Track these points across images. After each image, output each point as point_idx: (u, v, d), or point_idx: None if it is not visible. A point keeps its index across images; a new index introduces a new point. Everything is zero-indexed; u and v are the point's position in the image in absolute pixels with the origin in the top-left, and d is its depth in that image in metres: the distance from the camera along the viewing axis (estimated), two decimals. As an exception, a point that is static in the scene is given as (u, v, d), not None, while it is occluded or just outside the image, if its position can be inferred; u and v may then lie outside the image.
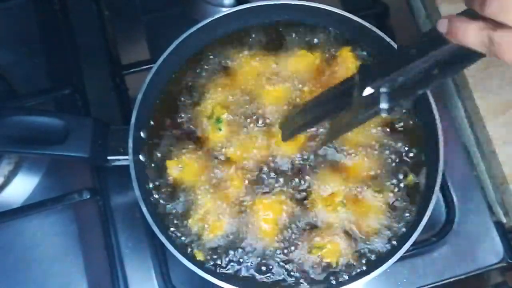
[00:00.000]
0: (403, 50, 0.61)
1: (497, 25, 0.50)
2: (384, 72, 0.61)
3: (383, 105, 0.61)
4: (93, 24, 0.95)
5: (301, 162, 0.79)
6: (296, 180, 0.78)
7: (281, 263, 0.76)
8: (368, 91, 0.61)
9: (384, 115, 0.61)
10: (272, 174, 0.78)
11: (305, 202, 0.77)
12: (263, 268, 0.75)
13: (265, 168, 0.78)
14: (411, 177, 0.79)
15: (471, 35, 0.52)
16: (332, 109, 0.69)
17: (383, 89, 0.61)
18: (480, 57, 0.55)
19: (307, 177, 0.78)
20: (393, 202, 0.78)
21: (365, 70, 0.64)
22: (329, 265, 0.75)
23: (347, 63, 0.82)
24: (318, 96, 0.74)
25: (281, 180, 0.78)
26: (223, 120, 0.79)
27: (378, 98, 0.61)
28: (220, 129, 0.79)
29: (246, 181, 0.78)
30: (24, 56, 0.95)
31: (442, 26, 0.55)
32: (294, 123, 0.76)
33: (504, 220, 0.87)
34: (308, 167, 0.79)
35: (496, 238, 0.85)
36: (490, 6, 0.49)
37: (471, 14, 0.53)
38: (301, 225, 0.76)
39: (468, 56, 0.56)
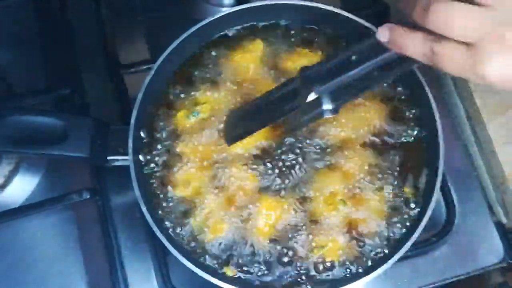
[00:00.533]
0: (344, 55, 0.62)
1: (439, 36, 0.50)
2: (326, 76, 0.62)
3: (327, 106, 0.63)
4: (92, 24, 0.95)
5: (298, 161, 0.79)
6: (294, 179, 0.78)
7: (281, 263, 0.75)
8: (312, 96, 0.63)
9: (328, 116, 0.63)
10: (270, 171, 0.78)
11: (305, 201, 0.77)
12: (263, 268, 0.75)
13: (261, 167, 0.78)
14: (411, 177, 0.79)
15: (413, 45, 0.52)
16: (276, 112, 0.69)
17: (325, 93, 0.62)
18: (419, 63, 0.55)
19: (305, 177, 0.78)
20: (393, 202, 0.78)
21: (306, 74, 0.65)
22: (330, 264, 0.75)
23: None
24: (261, 97, 0.74)
25: (279, 180, 0.78)
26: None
27: (321, 101, 0.62)
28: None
29: (247, 182, 0.78)
30: (23, 56, 0.95)
31: (383, 35, 0.55)
32: (238, 127, 0.76)
33: (504, 220, 0.87)
34: (306, 166, 0.78)
35: (497, 238, 0.86)
36: (432, 19, 0.49)
37: (410, 23, 0.53)
38: (301, 225, 0.76)
39: (407, 62, 0.56)
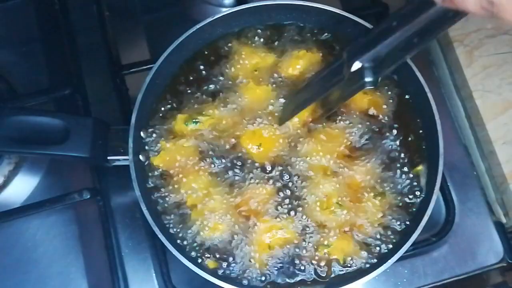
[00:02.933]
0: (384, 24, 0.66)
1: None
2: (368, 46, 0.66)
3: (368, 78, 0.66)
4: (93, 24, 0.95)
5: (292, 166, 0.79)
6: (287, 180, 0.78)
7: (282, 264, 0.76)
8: (356, 65, 0.67)
9: (369, 87, 0.67)
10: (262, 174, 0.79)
11: (301, 204, 0.77)
12: (263, 270, 0.76)
13: (256, 171, 0.79)
14: (411, 177, 0.79)
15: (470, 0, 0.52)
16: (323, 87, 0.74)
17: (367, 64, 0.66)
18: (460, 18, 0.58)
19: (300, 180, 0.78)
20: (392, 202, 0.78)
21: (350, 48, 0.69)
22: (330, 264, 0.75)
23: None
24: (310, 78, 0.79)
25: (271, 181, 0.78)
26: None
27: (363, 72, 0.66)
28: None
29: (247, 183, 0.78)
30: (24, 56, 0.95)
31: None
32: (289, 105, 0.79)
33: (504, 220, 0.87)
34: (301, 171, 0.79)
35: (496, 238, 0.86)
36: None
37: None
38: (300, 227, 0.77)
39: (448, 19, 0.59)
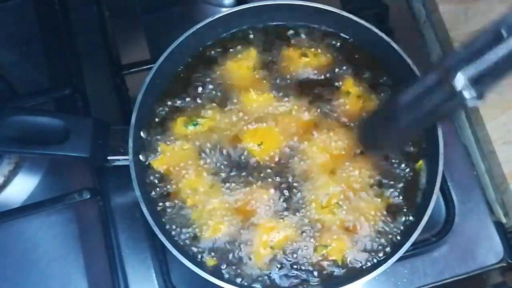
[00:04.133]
0: (491, 31, 0.53)
1: None
2: (471, 58, 0.54)
3: (472, 94, 0.54)
4: (93, 24, 0.95)
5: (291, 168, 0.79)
6: (288, 180, 0.78)
7: (282, 265, 0.76)
8: (460, 80, 0.53)
9: (474, 104, 0.54)
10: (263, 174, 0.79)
11: (301, 205, 0.77)
12: (263, 270, 0.76)
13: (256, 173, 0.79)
14: (411, 176, 0.79)
15: None
16: (423, 112, 0.59)
17: (471, 77, 0.53)
18: None
19: (300, 180, 0.78)
20: (392, 202, 0.78)
21: (451, 59, 0.56)
22: (330, 265, 0.75)
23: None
24: (397, 99, 0.62)
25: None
26: None
27: (466, 87, 0.54)
28: None
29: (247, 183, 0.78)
30: (24, 56, 0.95)
31: None
32: (381, 137, 0.68)
33: (504, 220, 0.87)
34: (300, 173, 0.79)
35: (496, 238, 0.86)
36: None
37: None
38: (300, 227, 0.77)
39: None
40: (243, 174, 0.78)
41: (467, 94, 0.53)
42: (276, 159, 0.79)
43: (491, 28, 0.53)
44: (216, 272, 0.75)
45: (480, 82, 0.54)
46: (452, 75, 0.54)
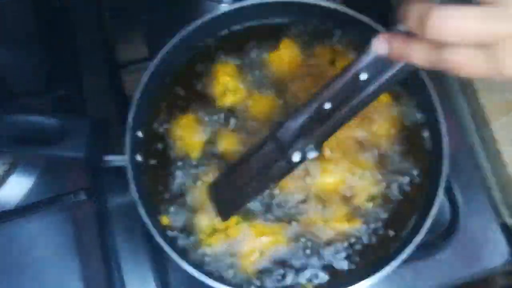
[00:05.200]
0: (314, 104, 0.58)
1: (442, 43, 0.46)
2: (305, 133, 0.58)
3: (312, 153, 0.59)
4: (92, 23, 0.94)
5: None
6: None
7: (284, 269, 0.75)
8: (297, 157, 0.59)
9: (313, 157, 0.59)
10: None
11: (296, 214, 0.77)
12: (257, 275, 0.75)
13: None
14: (415, 178, 0.79)
15: (417, 55, 0.48)
16: (267, 178, 0.64)
17: (310, 145, 0.58)
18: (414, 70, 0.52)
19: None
20: (396, 203, 0.77)
21: (283, 136, 0.60)
22: (331, 269, 0.75)
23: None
24: (242, 165, 0.67)
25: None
26: None
27: (303, 157, 0.59)
28: None
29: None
30: (22, 56, 0.95)
31: (381, 47, 0.51)
32: (229, 202, 0.71)
33: (509, 221, 0.86)
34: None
35: (502, 240, 0.84)
36: (431, 29, 0.44)
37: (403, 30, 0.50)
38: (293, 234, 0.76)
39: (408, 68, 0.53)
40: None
41: (306, 157, 0.59)
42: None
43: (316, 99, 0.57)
44: (213, 275, 0.75)
45: (317, 145, 0.59)
46: (289, 153, 0.59)
